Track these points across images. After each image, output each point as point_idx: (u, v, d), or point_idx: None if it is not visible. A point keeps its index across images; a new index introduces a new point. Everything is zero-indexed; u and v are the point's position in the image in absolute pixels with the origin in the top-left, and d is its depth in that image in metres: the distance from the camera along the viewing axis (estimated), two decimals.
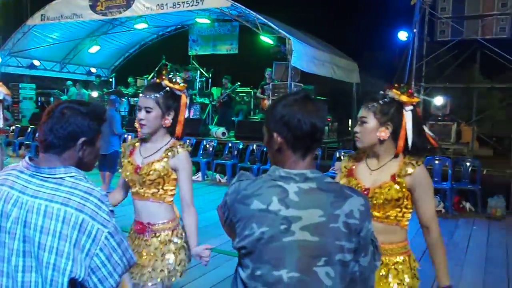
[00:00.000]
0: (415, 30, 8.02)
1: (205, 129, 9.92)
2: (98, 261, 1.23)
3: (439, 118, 8.24)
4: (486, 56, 8.05)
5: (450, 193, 6.65)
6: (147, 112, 2.03)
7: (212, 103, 11.48)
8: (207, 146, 9.16)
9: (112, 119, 6.88)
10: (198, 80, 11.42)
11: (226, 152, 8.96)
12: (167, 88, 2.06)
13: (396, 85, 1.84)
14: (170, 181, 2.09)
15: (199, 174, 8.82)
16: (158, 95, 2.03)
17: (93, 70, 14.50)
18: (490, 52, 7.74)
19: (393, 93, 1.82)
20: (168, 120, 2.06)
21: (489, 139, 9.89)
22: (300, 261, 1.16)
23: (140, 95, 2.12)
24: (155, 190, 2.07)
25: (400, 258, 1.84)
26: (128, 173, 2.10)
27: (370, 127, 1.82)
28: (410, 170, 1.77)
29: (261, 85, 10.35)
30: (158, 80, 2.11)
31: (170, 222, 2.12)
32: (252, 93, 11.18)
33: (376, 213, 1.80)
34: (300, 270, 1.16)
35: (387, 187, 1.78)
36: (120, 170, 2.26)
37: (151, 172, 2.03)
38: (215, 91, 11.89)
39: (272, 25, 8.86)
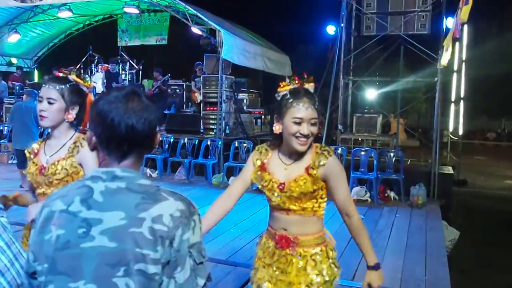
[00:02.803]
0: (342, 25, 8.21)
1: None
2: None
3: (366, 110, 8.52)
4: (410, 51, 8.42)
5: (375, 183, 6.88)
6: (50, 103, 1.93)
7: None
8: None
9: (31, 112, 6.48)
10: (127, 72, 10.97)
11: (157, 146, 8.71)
12: (73, 82, 1.98)
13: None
14: (79, 178, 1.96)
15: None
16: (63, 87, 1.94)
17: (14, 60, 13.63)
18: (412, 47, 8.09)
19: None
20: (72, 115, 1.96)
21: (415, 130, 10.42)
22: (98, 270, 1.00)
23: (43, 85, 1.97)
24: None
25: (317, 249, 1.84)
26: (32, 174, 1.98)
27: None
28: (323, 160, 1.78)
29: (191, 78, 10.18)
30: (61, 74, 2.00)
31: None
32: (185, 85, 10.95)
33: (293, 206, 1.80)
34: (98, 281, 1.00)
35: (302, 180, 1.77)
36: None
37: (57, 172, 1.94)
38: (146, 83, 11.52)
39: (202, 16, 8.74)
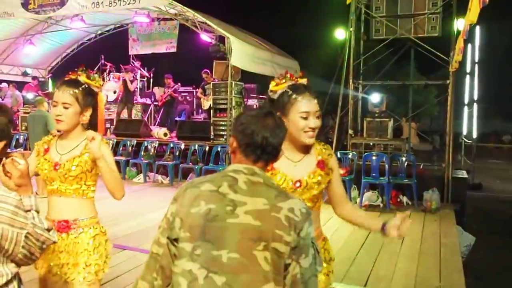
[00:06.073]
0: (351, 29, 8.16)
1: (146, 130, 9.68)
2: (22, 255, 1.39)
3: (376, 114, 8.44)
4: (420, 54, 8.33)
5: (387, 187, 6.79)
6: (65, 108, 2.00)
7: (154, 103, 11.19)
8: (148, 147, 8.95)
9: (45, 120, 6.77)
10: (139, 80, 11.09)
11: (168, 153, 8.79)
12: (85, 85, 2.04)
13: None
14: (92, 176, 2.08)
15: (141, 176, 8.60)
16: (76, 91, 2.01)
17: (29, 70, 13.90)
18: (423, 50, 8.00)
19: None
20: (86, 117, 2.05)
21: (428, 134, 10.28)
22: (241, 243, 1.21)
23: (56, 90, 2.05)
24: (78, 186, 2.05)
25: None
26: (45, 171, 2.04)
27: None
28: (328, 152, 1.88)
29: (201, 85, 10.23)
30: (73, 76, 2.06)
31: (94, 218, 2.12)
32: (194, 92, 11.01)
33: (308, 203, 1.80)
34: (240, 252, 1.21)
35: (317, 176, 1.81)
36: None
37: (73, 168, 2.01)
38: (158, 91, 11.62)
39: (211, 24, 8.79)
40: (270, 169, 1.82)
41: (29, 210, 1.40)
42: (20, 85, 12.56)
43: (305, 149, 1.84)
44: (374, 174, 6.96)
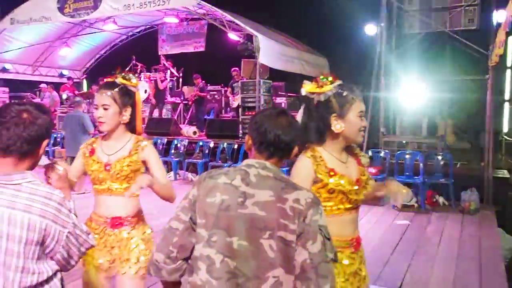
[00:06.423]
0: (382, 24, 7.92)
1: (176, 128, 9.78)
2: (60, 256, 1.42)
3: (410, 112, 8.16)
4: (456, 48, 8.00)
5: (422, 187, 6.55)
6: (105, 109, 2.09)
7: (184, 102, 11.29)
8: (178, 145, 9.03)
9: (81, 120, 6.95)
10: (168, 80, 11.23)
11: (197, 151, 8.86)
12: (122, 85, 2.13)
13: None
14: (139, 175, 2.15)
15: (171, 173, 8.70)
16: (113, 92, 2.10)
17: (65, 72, 14.45)
18: (460, 44, 7.66)
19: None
20: (126, 116, 2.13)
21: (465, 132, 9.86)
22: (249, 231, 1.32)
23: (96, 94, 2.16)
24: (127, 185, 2.12)
25: None
26: (96, 171, 2.13)
27: None
28: (357, 150, 1.90)
29: (229, 84, 10.24)
30: (111, 79, 2.16)
31: (142, 214, 2.24)
32: (223, 91, 11.02)
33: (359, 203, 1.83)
34: (249, 240, 1.32)
35: (365, 174, 1.84)
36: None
37: (124, 168, 2.10)
38: (187, 90, 11.73)
39: (239, 23, 8.80)
40: (333, 174, 1.74)
41: (70, 210, 1.45)
42: (56, 86, 13.02)
43: (346, 149, 1.84)
44: (408, 173, 6.72)
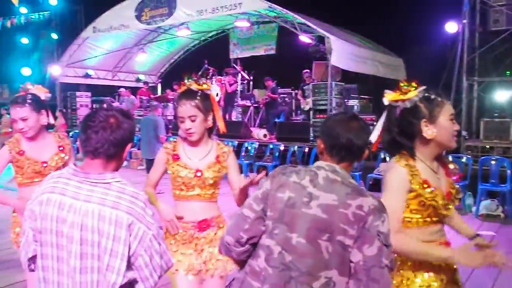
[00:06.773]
0: (464, 21, 7.45)
1: (246, 131, 9.90)
2: (142, 261, 1.38)
3: (495, 114, 7.59)
4: None
5: (510, 196, 6.08)
6: (192, 120, 2.10)
7: (254, 105, 11.46)
8: (249, 148, 9.14)
9: (156, 124, 7.16)
10: (239, 83, 11.44)
11: (268, 154, 8.89)
12: (199, 92, 2.13)
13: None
14: (221, 181, 2.25)
15: (241, 176, 8.77)
16: (196, 101, 2.10)
17: (142, 77, 15.22)
18: None
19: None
20: (210, 121, 2.16)
21: None
22: (309, 231, 1.37)
23: (178, 106, 2.13)
24: (213, 191, 2.19)
25: None
26: (185, 177, 2.13)
27: None
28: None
29: (300, 87, 10.20)
30: (184, 88, 2.16)
31: (222, 214, 2.28)
32: (293, 94, 10.99)
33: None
34: (308, 239, 1.37)
35: (455, 186, 1.76)
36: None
37: (214, 175, 2.15)
38: (257, 93, 11.86)
39: (311, 24, 8.74)
40: (426, 186, 1.63)
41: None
42: (133, 90, 13.64)
43: (435, 157, 1.75)
44: (493, 181, 6.28)
